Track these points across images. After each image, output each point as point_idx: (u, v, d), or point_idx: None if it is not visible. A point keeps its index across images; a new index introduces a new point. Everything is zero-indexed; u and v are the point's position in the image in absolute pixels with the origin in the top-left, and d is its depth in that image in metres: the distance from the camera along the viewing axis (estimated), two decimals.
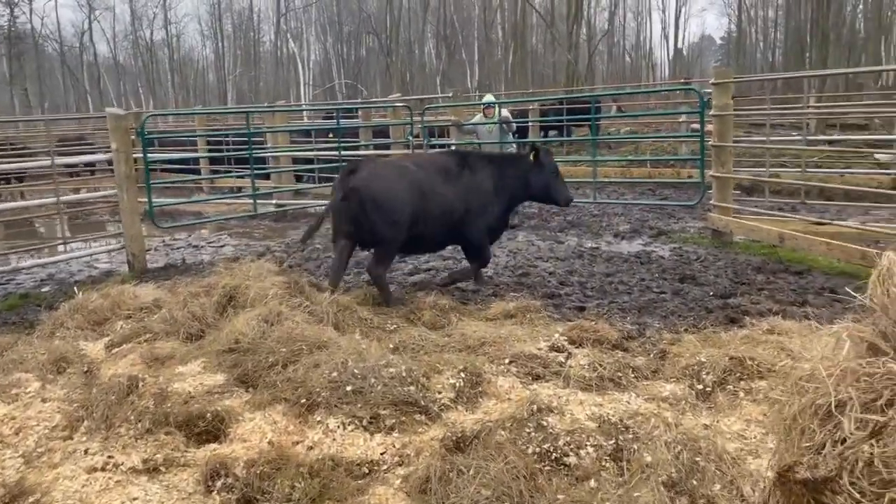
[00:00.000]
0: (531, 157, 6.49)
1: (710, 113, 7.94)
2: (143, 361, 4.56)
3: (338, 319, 4.99)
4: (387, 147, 11.71)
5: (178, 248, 9.80)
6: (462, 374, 4.00)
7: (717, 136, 7.90)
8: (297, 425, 3.59)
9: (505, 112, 10.60)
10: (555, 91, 29.20)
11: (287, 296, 5.11)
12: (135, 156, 8.42)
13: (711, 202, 8.30)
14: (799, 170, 8.91)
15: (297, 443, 3.45)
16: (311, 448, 3.38)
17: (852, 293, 2.32)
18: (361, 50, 60.63)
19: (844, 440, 1.72)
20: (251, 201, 9.85)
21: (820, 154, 12.22)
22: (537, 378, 4.19)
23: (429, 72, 53.26)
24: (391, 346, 4.65)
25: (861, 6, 38.05)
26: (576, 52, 32.65)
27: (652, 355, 4.55)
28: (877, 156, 12.57)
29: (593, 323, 4.85)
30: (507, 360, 4.35)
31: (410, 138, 10.82)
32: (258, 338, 4.39)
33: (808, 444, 1.87)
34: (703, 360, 4.12)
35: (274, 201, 11.73)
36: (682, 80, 16.23)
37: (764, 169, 8.80)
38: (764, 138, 9.10)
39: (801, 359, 2.16)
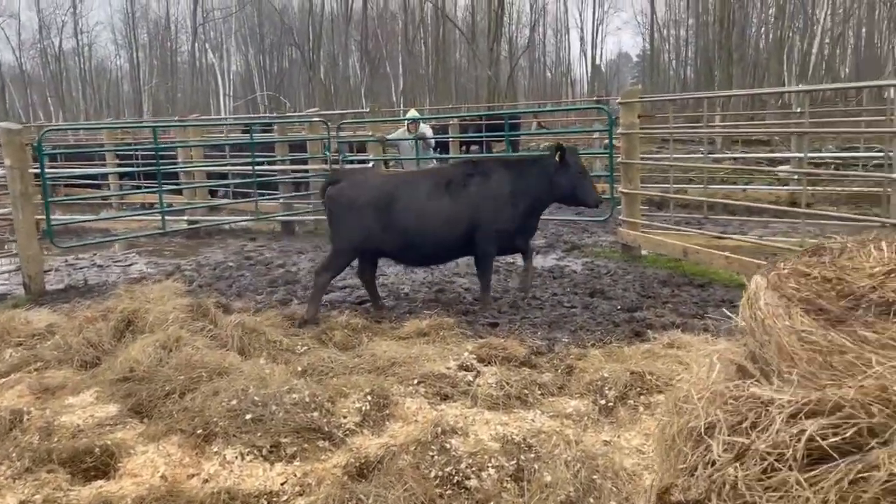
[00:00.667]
0: (556, 158, 6.28)
1: (618, 131, 8.18)
2: (31, 392, 4.31)
3: (243, 343, 4.86)
4: (304, 162, 11.54)
5: (81, 269, 9.35)
6: (369, 397, 3.95)
7: (625, 154, 8.15)
8: (193, 457, 3.45)
9: (424, 127, 10.65)
10: (477, 106, 29.57)
11: (189, 320, 4.94)
12: (34, 171, 8.01)
13: (621, 217, 8.53)
14: (703, 185, 9.27)
15: (192, 476, 3.32)
16: (206, 481, 3.26)
17: (729, 314, 2.41)
18: (284, 61, 59.83)
19: (714, 463, 1.76)
20: (161, 218, 9.49)
21: (724, 170, 12.79)
22: (446, 398, 4.17)
23: (353, 84, 53.04)
24: (299, 369, 4.54)
25: (763, 28, 40.25)
26: (497, 68, 33.19)
27: (559, 371, 4.61)
28: (779, 172, 13.27)
29: (502, 340, 4.88)
30: (415, 381, 4.32)
31: (328, 154, 10.70)
32: (155, 365, 4.23)
33: (682, 466, 1.91)
34: (606, 375, 4.20)
35: (186, 217, 11.37)
36: (595, 99, 16.73)
37: (669, 185, 9.10)
38: (668, 155, 9.43)
39: (681, 379, 2.21)
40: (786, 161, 12.32)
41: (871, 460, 1.46)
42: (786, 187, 11.40)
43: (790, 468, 1.57)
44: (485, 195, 6.19)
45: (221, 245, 10.83)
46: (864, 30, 40.74)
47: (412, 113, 10.94)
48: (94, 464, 3.38)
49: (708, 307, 6.12)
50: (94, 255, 10.38)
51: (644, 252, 8.30)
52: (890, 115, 6.48)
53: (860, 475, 1.47)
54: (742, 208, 10.57)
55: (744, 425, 1.74)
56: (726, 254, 6.82)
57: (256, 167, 10.67)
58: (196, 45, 57.42)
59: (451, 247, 6.34)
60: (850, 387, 1.53)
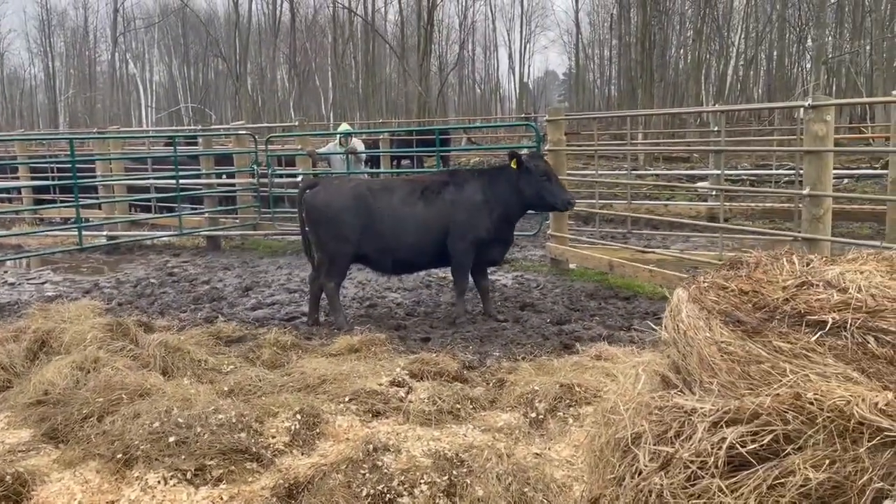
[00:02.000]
0: (513, 166, 6.26)
1: (546, 148, 8.35)
2: None
3: (167, 363, 4.69)
4: (231, 176, 11.30)
5: None
6: (298, 416, 3.87)
7: None
8: (113, 483, 3.30)
9: (355, 141, 10.58)
10: (408, 121, 29.68)
11: (109, 339, 4.74)
12: None
13: (549, 232, 8.69)
14: (627, 201, 9.56)
15: (112, 503, 3.17)
16: None
17: (653, 326, 2.48)
18: (209, 73, 58.55)
19: (640, 472, 1.80)
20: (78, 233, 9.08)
21: (647, 186, 13.23)
22: (377, 415, 4.14)
23: (282, 98, 52.34)
24: (225, 388, 4.42)
25: (682, 50, 41.94)
26: (427, 84, 33.42)
27: (490, 385, 4.65)
28: (699, 188, 13.81)
29: (434, 355, 4.88)
30: (347, 398, 4.27)
31: (255, 168, 10.50)
32: (71, 387, 4.04)
33: (611, 477, 1.94)
34: (536, 388, 4.25)
35: (105, 233, 10.94)
36: (523, 116, 17.01)
37: (595, 200, 9.33)
38: (594, 171, 9.68)
39: (608, 391, 2.25)
40: (704, 178, 12.82)
41: (787, 466, 1.53)
42: (705, 203, 11.86)
43: (712, 475, 1.62)
44: (459, 203, 6.24)
45: (143, 261, 10.47)
46: (775, 53, 42.99)
47: (344, 127, 10.83)
48: (5, 493, 3.19)
49: (634, 319, 6.28)
50: (5, 272, 9.85)
51: (572, 266, 8.47)
52: (800, 134, 6.86)
53: (778, 481, 1.53)
54: (664, 223, 10.95)
55: (668, 435, 1.79)
56: (650, 267, 7.03)
57: (181, 181, 10.37)
58: (116, 54, 55.60)
59: (425, 252, 6.35)
60: (766, 395, 1.59)
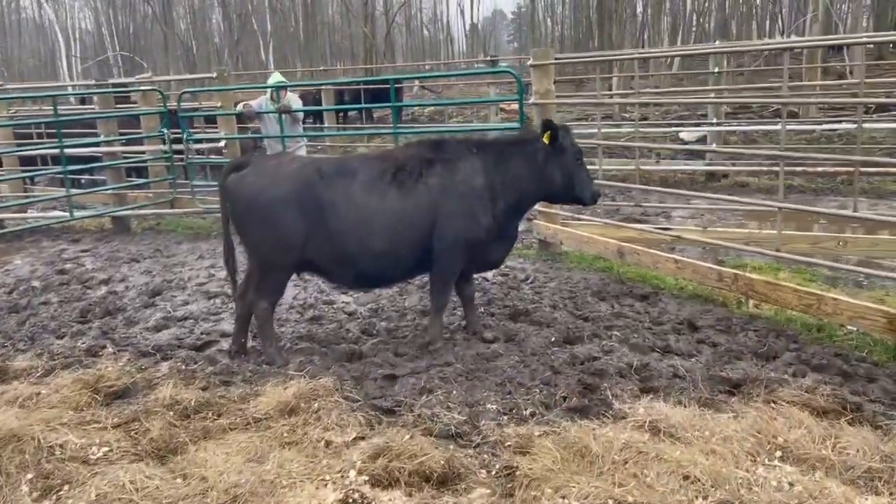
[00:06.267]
0: (545, 139, 4.55)
1: (531, 101, 6.57)
2: None
3: None
4: (140, 142, 9.24)
5: None
6: None
7: None
8: None
9: (290, 97, 8.54)
10: (354, 68, 27.34)
11: None
12: None
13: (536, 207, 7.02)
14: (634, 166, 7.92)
15: None
16: None
17: None
18: (137, 17, 54.16)
19: None
20: None
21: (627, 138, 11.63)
22: None
23: (219, 43, 48.69)
24: None
25: None
26: (373, 25, 30.91)
27: (495, 478, 3.07)
28: (681, 135, 12.29)
29: (408, 437, 3.22)
30: None
31: (165, 131, 8.45)
32: None
33: None
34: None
35: None
36: (490, 59, 14.89)
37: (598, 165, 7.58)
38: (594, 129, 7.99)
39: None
40: (699, 129, 11.25)
41: None
42: (704, 162, 10.30)
43: None
44: (449, 190, 4.46)
45: (33, 250, 8.49)
46: None
47: (275, 77, 8.71)
48: None
49: (667, 334, 4.71)
50: None
51: (565, 248, 6.84)
52: (863, 77, 5.29)
53: None
54: (657, 183, 9.40)
55: None
56: (675, 257, 5.45)
57: (71, 149, 8.29)
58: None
59: (402, 260, 4.55)
60: None
